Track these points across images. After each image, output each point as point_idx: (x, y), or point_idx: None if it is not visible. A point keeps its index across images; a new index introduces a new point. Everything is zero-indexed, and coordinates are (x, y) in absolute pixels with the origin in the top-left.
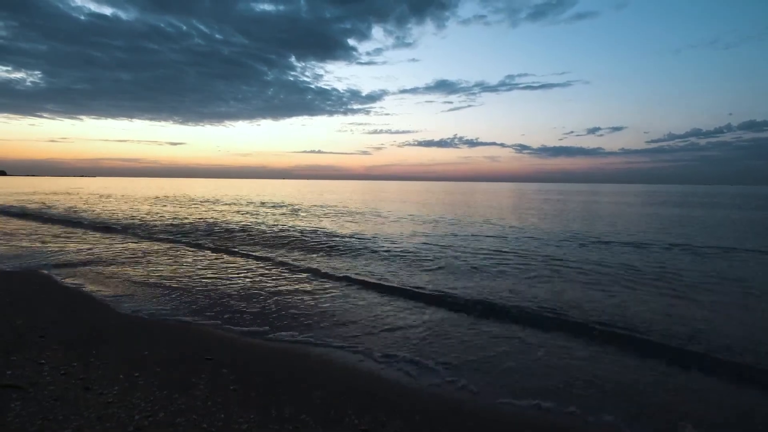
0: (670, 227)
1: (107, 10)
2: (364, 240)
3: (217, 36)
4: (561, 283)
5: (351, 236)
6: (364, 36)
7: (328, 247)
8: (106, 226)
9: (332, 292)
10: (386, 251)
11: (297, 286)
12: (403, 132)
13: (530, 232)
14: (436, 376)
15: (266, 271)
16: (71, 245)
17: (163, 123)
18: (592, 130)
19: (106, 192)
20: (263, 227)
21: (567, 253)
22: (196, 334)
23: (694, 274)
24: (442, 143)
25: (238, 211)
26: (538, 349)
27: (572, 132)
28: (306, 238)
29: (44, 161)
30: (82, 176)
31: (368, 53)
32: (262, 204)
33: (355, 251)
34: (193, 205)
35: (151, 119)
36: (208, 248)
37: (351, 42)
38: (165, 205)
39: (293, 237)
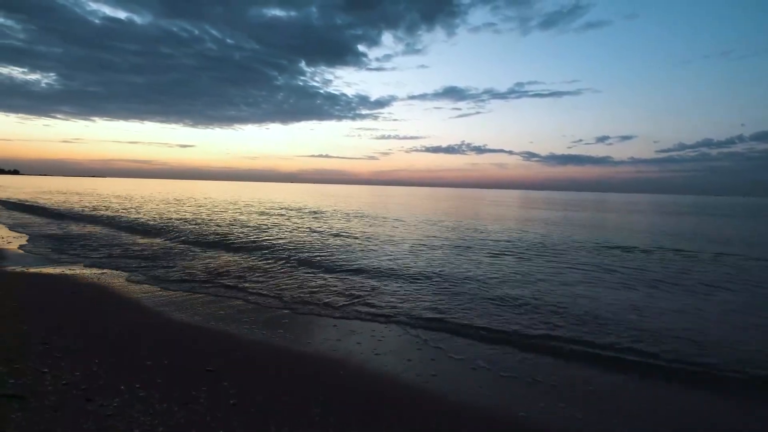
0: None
1: (121, 14)
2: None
3: (228, 41)
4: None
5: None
6: (374, 42)
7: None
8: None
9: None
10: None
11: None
12: (411, 138)
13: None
14: None
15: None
16: (89, 249)
17: (173, 125)
18: (602, 139)
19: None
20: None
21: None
22: (199, 343)
23: None
24: (449, 149)
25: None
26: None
27: (581, 140)
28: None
29: (57, 161)
30: (94, 177)
31: (378, 59)
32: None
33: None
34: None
35: (161, 121)
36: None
37: (361, 48)
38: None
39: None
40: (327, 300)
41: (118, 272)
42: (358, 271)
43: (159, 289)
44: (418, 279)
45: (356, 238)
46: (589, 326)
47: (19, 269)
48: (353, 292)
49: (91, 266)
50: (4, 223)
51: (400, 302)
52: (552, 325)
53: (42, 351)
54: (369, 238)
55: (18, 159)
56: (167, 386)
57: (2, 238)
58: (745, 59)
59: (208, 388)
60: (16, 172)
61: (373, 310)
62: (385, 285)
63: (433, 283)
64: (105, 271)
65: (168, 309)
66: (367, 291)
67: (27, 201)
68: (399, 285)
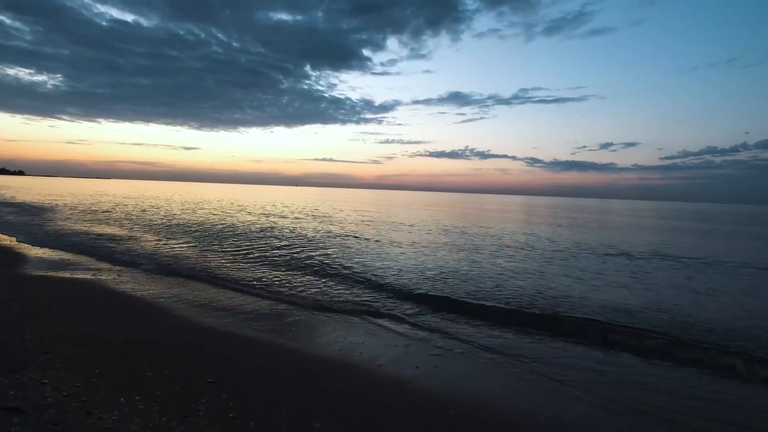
0: None
1: (128, 17)
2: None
3: (235, 44)
4: None
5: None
6: (379, 47)
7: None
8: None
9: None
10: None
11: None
12: (415, 142)
13: None
14: None
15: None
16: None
17: (178, 128)
18: (605, 145)
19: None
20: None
21: None
22: (200, 352)
23: None
24: (453, 154)
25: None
26: None
27: (585, 146)
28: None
29: (62, 162)
30: (99, 178)
31: (382, 64)
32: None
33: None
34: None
35: (166, 123)
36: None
37: (366, 52)
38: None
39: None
40: (331, 308)
41: (122, 278)
42: (365, 277)
43: (163, 295)
44: (427, 288)
45: (369, 241)
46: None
47: (28, 272)
48: (358, 299)
49: (97, 270)
50: (17, 226)
51: (407, 311)
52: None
53: (43, 360)
54: (380, 241)
55: (23, 160)
56: (167, 399)
57: (14, 240)
58: (750, 67)
59: (207, 401)
60: (21, 173)
61: (379, 319)
62: (392, 292)
63: (444, 292)
64: (111, 276)
65: (170, 316)
66: (374, 299)
67: (41, 204)
68: (407, 293)
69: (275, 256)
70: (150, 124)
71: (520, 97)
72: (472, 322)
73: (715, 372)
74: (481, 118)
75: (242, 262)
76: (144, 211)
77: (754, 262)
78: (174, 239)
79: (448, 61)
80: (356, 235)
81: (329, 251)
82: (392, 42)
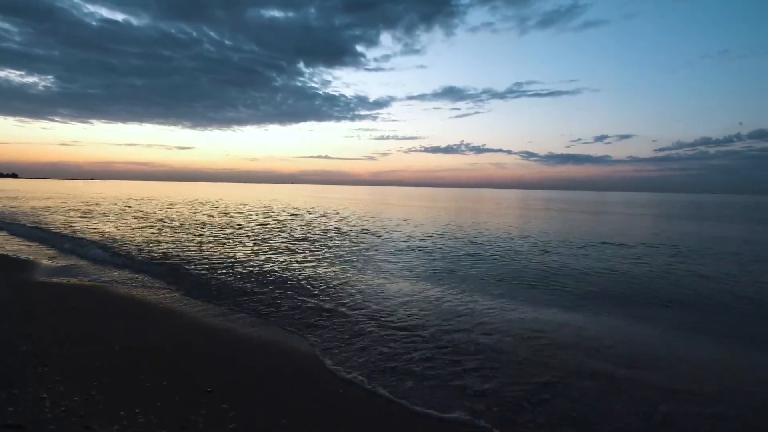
0: None
1: (119, 16)
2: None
3: (227, 42)
4: None
5: None
6: (372, 43)
7: None
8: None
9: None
10: None
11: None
12: (410, 138)
13: None
14: None
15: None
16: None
17: (172, 127)
18: (600, 138)
19: None
20: None
21: None
22: (199, 359)
23: None
24: (448, 149)
25: None
26: None
27: (580, 139)
28: None
29: (55, 164)
30: (93, 179)
31: (376, 60)
32: None
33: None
34: None
35: (160, 123)
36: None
37: (359, 48)
38: None
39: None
40: (331, 313)
41: (122, 284)
42: (366, 281)
43: (162, 300)
44: (429, 292)
45: (371, 240)
46: None
47: (29, 278)
48: (358, 304)
49: (98, 275)
50: (22, 235)
51: (408, 315)
52: None
53: (42, 373)
54: (381, 237)
55: (16, 162)
56: (166, 410)
57: (19, 246)
58: (743, 59)
59: (206, 411)
60: (14, 176)
61: (379, 323)
62: (393, 295)
63: (444, 295)
64: (111, 281)
65: (171, 318)
66: (374, 303)
67: (50, 208)
68: (407, 296)
69: (275, 261)
70: (144, 124)
71: (514, 91)
72: (471, 324)
73: None
74: (476, 112)
75: (243, 266)
76: (147, 216)
77: None
78: (175, 242)
79: (442, 55)
80: (365, 230)
81: (328, 253)
82: (386, 37)
